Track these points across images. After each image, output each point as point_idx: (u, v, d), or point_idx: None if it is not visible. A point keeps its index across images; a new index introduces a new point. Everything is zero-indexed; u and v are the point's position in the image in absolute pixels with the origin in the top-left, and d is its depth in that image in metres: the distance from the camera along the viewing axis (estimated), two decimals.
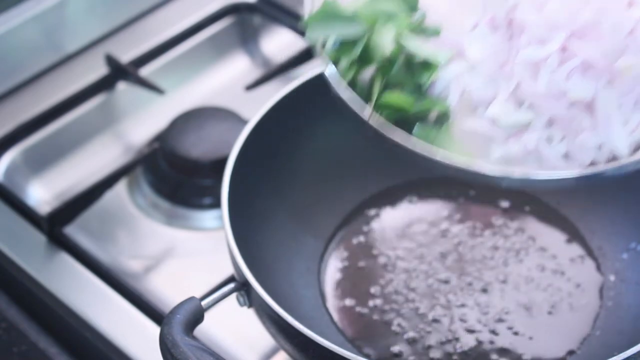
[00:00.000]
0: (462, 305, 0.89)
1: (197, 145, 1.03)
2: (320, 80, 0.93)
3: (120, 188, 1.04)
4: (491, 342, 0.87)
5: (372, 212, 0.97)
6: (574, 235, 0.94)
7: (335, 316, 0.90)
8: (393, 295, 0.90)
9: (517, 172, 0.72)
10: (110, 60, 1.12)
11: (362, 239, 0.95)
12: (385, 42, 0.75)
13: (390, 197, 0.98)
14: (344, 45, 0.76)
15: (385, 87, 0.75)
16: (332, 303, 0.91)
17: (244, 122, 1.02)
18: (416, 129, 0.75)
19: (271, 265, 0.88)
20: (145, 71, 1.13)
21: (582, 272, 0.91)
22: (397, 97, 0.74)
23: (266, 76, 1.11)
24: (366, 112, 0.75)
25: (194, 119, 1.06)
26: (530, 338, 0.87)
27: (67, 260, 0.96)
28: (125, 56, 1.13)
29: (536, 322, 0.88)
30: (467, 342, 0.87)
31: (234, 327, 0.91)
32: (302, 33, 1.16)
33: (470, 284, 0.91)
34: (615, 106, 0.72)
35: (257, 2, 1.21)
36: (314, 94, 0.93)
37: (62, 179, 1.07)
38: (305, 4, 0.81)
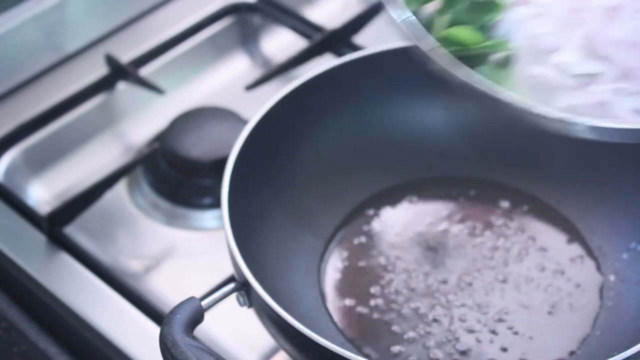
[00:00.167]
0: (462, 305, 0.89)
1: (197, 145, 1.03)
2: (320, 80, 0.94)
3: (120, 188, 1.04)
4: (491, 342, 0.87)
5: (372, 212, 0.97)
6: (574, 235, 0.94)
7: (335, 316, 0.90)
8: (393, 295, 0.90)
9: (583, 120, 0.67)
10: (110, 60, 1.12)
11: (362, 239, 0.95)
12: None
13: (390, 197, 0.98)
14: None
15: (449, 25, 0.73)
16: (332, 303, 0.91)
17: (244, 122, 1.02)
18: (479, 68, 0.71)
19: (271, 265, 0.88)
20: (145, 71, 1.13)
21: (582, 272, 0.91)
22: (464, 32, 0.71)
23: (266, 76, 1.11)
24: (429, 43, 0.71)
25: (194, 119, 1.06)
26: (530, 338, 0.87)
27: (67, 260, 0.96)
28: (125, 56, 1.13)
29: (536, 322, 0.88)
30: (467, 342, 0.87)
31: (234, 327, 0.91)
32: (302, 33, 1.17)
33: (470, 284, 0.91)
34: None
35: (257, 2, 1.21)
36: (314, 94, 0.94)
37: (62, 179, 1.07)
38: None
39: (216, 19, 1.19)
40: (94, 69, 1.13)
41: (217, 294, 0.79)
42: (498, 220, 0.95)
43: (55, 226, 0.97)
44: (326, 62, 0.95)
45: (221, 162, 0.88)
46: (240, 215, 0.83)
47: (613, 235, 0.93)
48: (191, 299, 0.76)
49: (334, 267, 0.93)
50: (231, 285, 0.80)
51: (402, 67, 0.87)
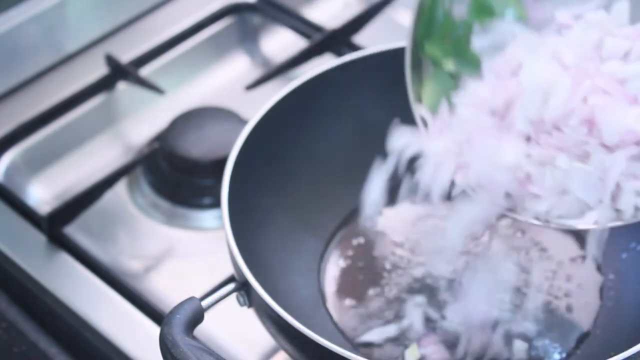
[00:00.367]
0: None
1: (197, 145, 1.03)
2: (320, 80, 0.94)
3: (120, 188, 1.04)
4: (491, 342, 0.87)
5: None
6: (574, 235, 0.94)
7: (335, 316, 0.90)
8: (393, 296, 0.90)
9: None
10: (110, 60, 1.12)
11: (361, 239, 0.95)
12: None
13: (391, 197, 0.98)
14: None
15: None
16: (332, 303, 0.91)
17: (244, 122, 1.02)
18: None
19: (271, 265, 0.88)
20: (145, 71, 1.13)
21: (582, 272, 0.91)
22: None
23: (266, 76, 1.11)
24: None
25: (194, 119, 1.06)
26: (531, 338, 0.87)
27: (67, 260, 0.96)
28: (125, 56, 1.13)
29: (536, 322, 0.88)
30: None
31: (234, 327, 0.91)
32: (302, 33, 1.17)
33: (470, 284, 0.91)
34: None
35: (257, 2, 1.21)
36: (314, 94, 0.94)
37: (62, 179, 1.07)
38: None
39: (216, 19, 1.19)
40: (94, 69, 1.13)
41: (217, 294, 0.79)
42: (499, 220, 0.95)
43: (55, 226, 0.97)
44: (326, 62, 0.95)
45: (221, 162, 0.88)
46: (240, 215, 0.83)
47: (613, 235, 0.92)
48: (191, 299, 0.76)
49: (334, 267, 0.93)
50: (231, 285, 0.80)
51: (402, 66, 0.87)
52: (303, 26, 1.18)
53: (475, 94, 0.82)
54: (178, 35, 1.17)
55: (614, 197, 0.78)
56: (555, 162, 0.78)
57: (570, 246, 0.93)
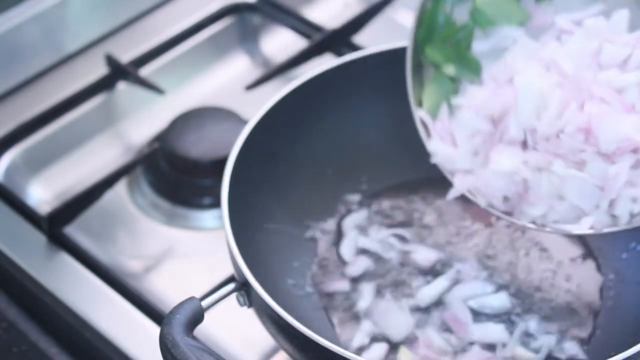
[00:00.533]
0: None
1: (197, 145, 1.03)
2: (320, 80, 0.94)
3: (120, 188, 1.04)
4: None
5: (373, 211, 0.97)
6: (574, 235, 0.94)
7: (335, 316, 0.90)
8: (393, 295, 0.90)
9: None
10: (110, 60, 1.12)
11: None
12: None
13: (391, 197, 0.98)
14: None
15: None
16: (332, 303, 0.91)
17: (244, 122, 1.02)
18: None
19: (271, 265, 0.88)
20: (145, 71, 1.13)
21: (582, 272, 0.91)
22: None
23: (266, 76, 1.11)
24: None
25: (194, 119, 1.06)
26: (530, 338, 0.87)
27: (67, 260, 0.96)
28: (125, 56, 1.13)
29: (537, 321, 0.88)
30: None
31: (234, 327, 0.91)
32: (302, 33, 1.17)
33: (470, 284, 0.91)
34: None
35: (257, 2, 1.21)
36: (314, 94, 0.94)
37: (62, 179, 1.07)
38: None
39: (216, 19, 1.19)
40: (94, 69, 1.13)
41: (217, 294, 0.79)
42: (499, 221, 0.95)
43: (55, 226, 0.97)
44: (326, 62, 0.95)
45: (221, 162, 0.88)
46: (240, 215, 0.83)
47: (613, 236, 0.92)
48: (191, 299, 0.76)
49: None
50: (231, 285, 0.80)
51: (402, 67, 0.87)
52: (303, 26, 1.18)
53: (473, 99, 0.83)
54: (178, 35, 1.17)
55: (611, 204, 0.78)
56: (551, 167, 0.78)
57: (570, 246, 0.93)
